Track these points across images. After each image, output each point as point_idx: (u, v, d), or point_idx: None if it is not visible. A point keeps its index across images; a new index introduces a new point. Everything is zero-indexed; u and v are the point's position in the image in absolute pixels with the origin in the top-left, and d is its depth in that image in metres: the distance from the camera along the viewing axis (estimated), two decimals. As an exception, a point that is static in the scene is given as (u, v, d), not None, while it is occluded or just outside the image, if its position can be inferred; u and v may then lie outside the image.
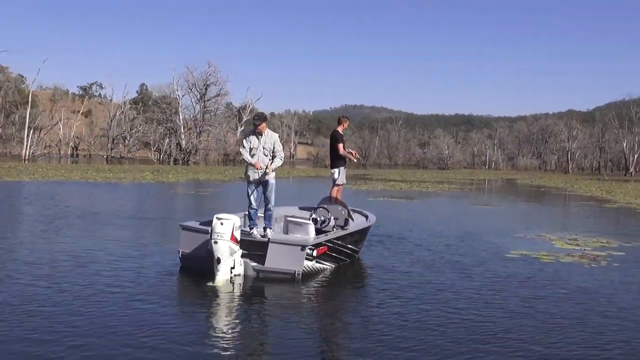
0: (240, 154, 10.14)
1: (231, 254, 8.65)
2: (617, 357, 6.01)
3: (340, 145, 12.34)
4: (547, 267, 10.72)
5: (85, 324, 6.36)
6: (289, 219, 10.41)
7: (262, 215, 10.04)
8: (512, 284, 9.19)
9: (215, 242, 8.48)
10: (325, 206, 11.35)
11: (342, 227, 10.80)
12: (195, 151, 79.54)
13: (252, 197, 9.89)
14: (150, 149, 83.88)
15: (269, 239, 9.29)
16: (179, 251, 9.60)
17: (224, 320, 7.06)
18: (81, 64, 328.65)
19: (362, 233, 11.37)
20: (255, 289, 8.53)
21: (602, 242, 13.91)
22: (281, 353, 5.79)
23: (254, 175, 9.84)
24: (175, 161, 76.56)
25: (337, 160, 12.55)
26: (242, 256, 8.98)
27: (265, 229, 9.78)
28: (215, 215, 8.74)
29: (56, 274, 8.72)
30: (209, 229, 9.28)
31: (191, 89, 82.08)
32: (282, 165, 10.34)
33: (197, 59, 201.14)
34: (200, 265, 9.20)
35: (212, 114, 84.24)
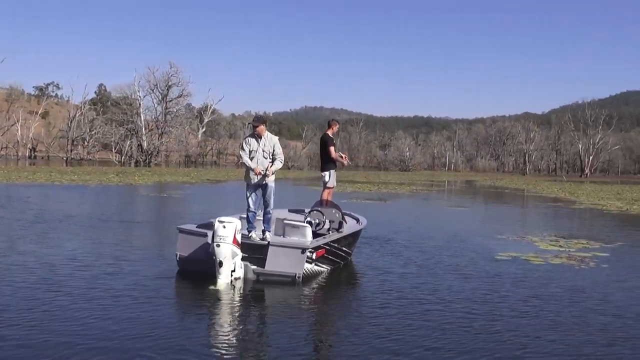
0: (241, 158, 10.03)
1: (233, 257, 8.60)
2: (624, 352, 6.21)
3: (332, 149, 12.40)
4: (539, 268, 10.88)
5: (84, 327, 6.30)
6: (286, 222, 10.38)
7: (261, 218, 10.01)
8: (507, 285, 9.32)
9: (218, 245, 8.42)
10: (320, 209, 11.38)
11: (337, 230, 10.83)
12: (157, 153, 78.60)
13: (250, 200, 9.83)
14: (112, 150, 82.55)
15: (269, 242, 9.26)
16: (176, 254, 9.51)
17: (225, 324, 7.01)
18: (36, 64, 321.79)
19: (355, 236, 11.42)
20: (256, 292, 8.52)
21: (582, 244, 14.17)
22: (284, 356, 5.78)
23: (253, 178, 9.77)
24: (137, 163, 75.48)
25: (327, 163, 12.60)
26: (242, 259, 8.93)
27: (264, 232, 9.76)
28: (217, 219, 8.67)
29: (54, 277, 8.59)
30: (207, 232, 9.34)
31: (153, 90, 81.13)
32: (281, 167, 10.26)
33: (158, 60, 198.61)
34: (198, 268, 9.15)
35: (174, 115, 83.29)
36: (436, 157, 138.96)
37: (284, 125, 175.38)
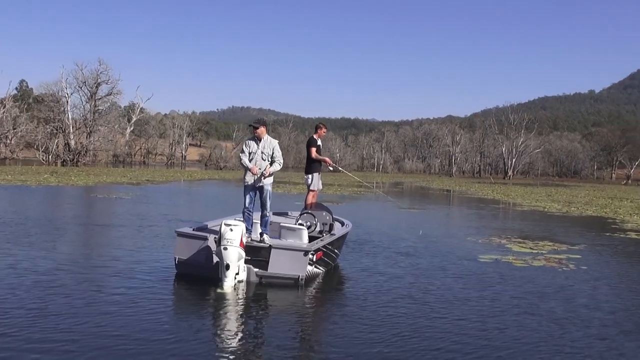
0: (240, 159, 10.10)
1: (238, 260, 8.62)
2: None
3: (313, 149, 12.47)
4: (525, 271, 11.19)
5: (84, 328, 6.30)
6: (282, 224, 10.57)
7: (258, 221, 10.13)
8: (499, 287, 9.57)
9: (225, 249, 8.46)
10: (311, 212, 11.55)
11: (329, 232, 10.99)
12: (85, 152, 76.12)
13: (247, 202, 9.97)
14: (38, 149, 79.34)
15: (270, 245, 9.32)
16: (175, 258, 9.44)
17: (231, 328, 6.99)
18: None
19: (344, 238, 11.61)
20: (260, 294, 8.56)
21: (550, 246, 14.66)
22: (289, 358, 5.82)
23: (250, 179, 9.87)
24: (64, 162, 72.91)
25: (310, 165, 12.62)
26: (245, 262, 8.93)
27: (262, 234, 9.84)
28: (223, 222, 8.74)
29: (49, 281, 8.35)
30: (207, 235, 9.43)
31: (81, 87, 78.40)
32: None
33: (86, 57, 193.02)
34: (197, 271, 9.19)
35: (103, 114, 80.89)
36: (365, 158, 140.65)
37: (212, 126, 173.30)
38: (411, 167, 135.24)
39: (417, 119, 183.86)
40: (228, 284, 8.45)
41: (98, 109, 79.15)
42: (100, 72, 78.03)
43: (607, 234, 18.41)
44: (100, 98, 79.35)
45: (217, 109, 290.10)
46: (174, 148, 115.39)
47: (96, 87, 78.04)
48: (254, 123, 10.04)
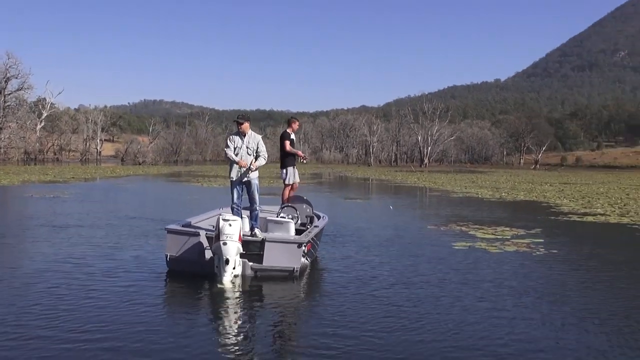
0: (225, 153, 10.15)
1: (236, 255, 8.67)
2: None
3: (287, 142, 12.44)
4: (506, 256, 11.45)
5: (81, 327, 6.25)
6: (268, 218, 10.85)
7: (246, 215, 10.22)
8: (491, 274, 9.75)
9: (225, 244, 8.49)
10: (292, 205, 11.85)
11: (311, 224, 11.27)
12: (-4, 150, 72.74)
13: (235, 197, 10.11)
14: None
15: (264, 238, 9.39)
16: (166, 255, 9.34)
17: (231, 322, 7.02)
18: None
19: (323, 230, 11.72)
20: (256, 288, 8.61)
21: (508, 231, 15.12)
22: (291, 353, 5.87)
23: (237, 173, 10.01)
24: (-28, 161, 69.47)
25: (284, 159, 12.58)
26: (240, 256, 8.94)
27: (252, 228, 9.92)
28: (221, 217, 8.77)
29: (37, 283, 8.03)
30: (199, 231, 9.45)
31: (-12, 82, 74.70)
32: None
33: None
34: (190, 268, 9.17)
35: (13, 110, 77.34)
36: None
37: (125, 120, 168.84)
38: (329, 157, 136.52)
39: (333, 110, 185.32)
40: (227, 279, 8.49)
41: (8, 105, 75.63)
42: (9, 67, 74.61)
43: (552, 217, 19.22)
44: (10, 93, 75.88)
45: (129, 103, 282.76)
46: (88, 144, 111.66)
47: (5, 82, 74.53)
48: (238, 119, 10.12)
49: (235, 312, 7.41)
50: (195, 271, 9.05)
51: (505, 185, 41.77)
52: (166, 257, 9.33)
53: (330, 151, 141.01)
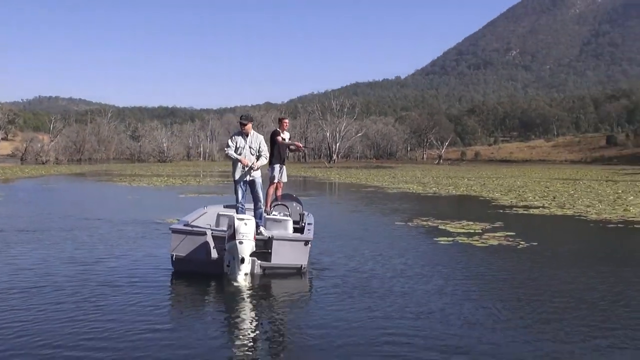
0: (227, 153, 10.30)
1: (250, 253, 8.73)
2: None
3: (279, 138, 12.31)
4: (495, 250, 11.69)
5: (85, 329, 6.20)
6: (267, 217, 10.80)
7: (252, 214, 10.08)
8: (485, 268, 9.96)
9: (241, 243, 8.49)
10: (283, 203, 12.01)
11: (301, 222, 11.50)
12: None
13: (239, 196, 10.26)
14: None
15: (271, 236, 9.48)
16: (172, 255, 9.17)
17: (245, 320, 7.05)
18: None
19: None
20: (266, 285, 8.69)
21: (473, 225, 15.41)
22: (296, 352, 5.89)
23: (240, 173, 10.15)
24: None
25: (272, 157, 12.40)
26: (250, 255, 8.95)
27: (257, 226, 9.77)
28: (236, 216, 8.78)
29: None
30: (206, 230, 9.39)
31: None
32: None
33: None
34: (198, 268, 9.09)
35: None
36: (191, 147, 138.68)
37: (20, 117, 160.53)
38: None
39: (238, 106, 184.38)
40: (241, 277, 8.53)
41: None
42: None
43: (500, 211, 19.82)
44: None
45: (22, 99, 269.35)
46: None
47: None
48: (242, 119, 10.29)
49: (251, 310, 7.46)
50: (202, 271, 9.00)
51: (426, 180, 42.91)
52: (172, 258, 9.18)
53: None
